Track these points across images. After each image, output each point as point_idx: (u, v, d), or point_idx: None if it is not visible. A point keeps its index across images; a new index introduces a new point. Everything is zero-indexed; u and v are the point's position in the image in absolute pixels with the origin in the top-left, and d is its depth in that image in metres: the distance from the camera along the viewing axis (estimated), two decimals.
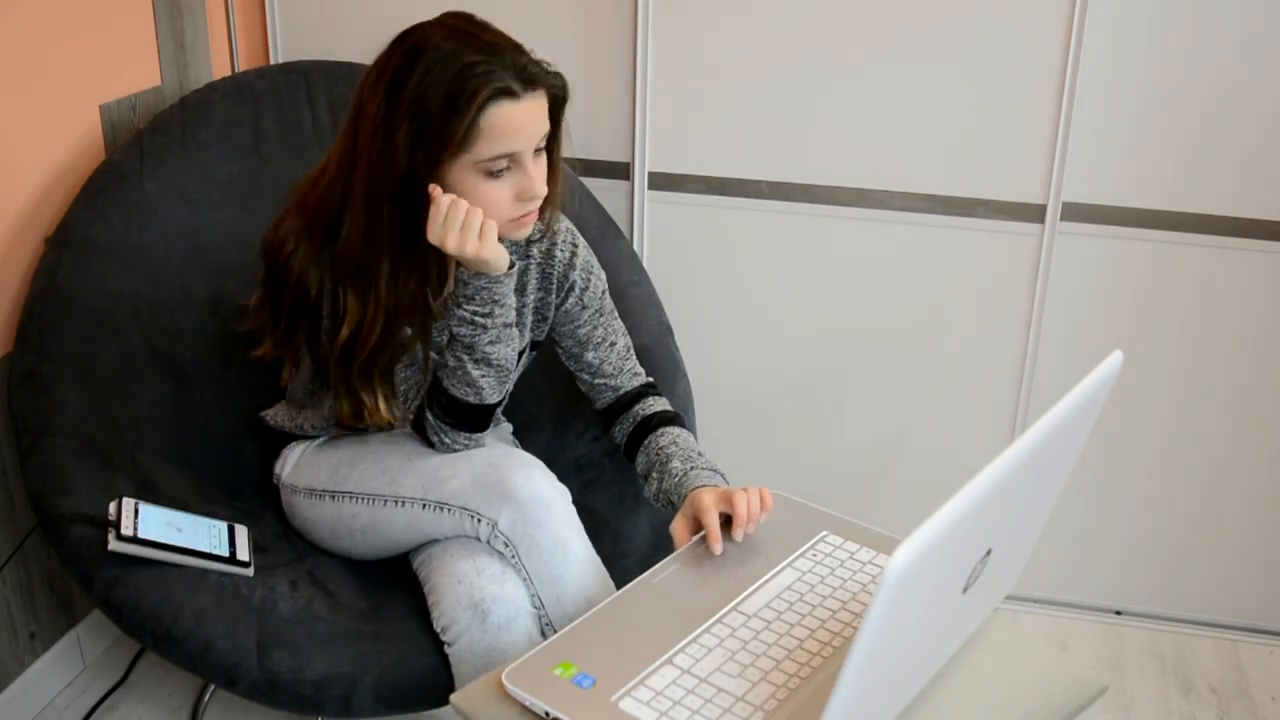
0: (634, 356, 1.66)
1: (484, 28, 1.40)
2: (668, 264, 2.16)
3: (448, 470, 1.49)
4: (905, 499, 2.23)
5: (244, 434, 1.78)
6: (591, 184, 2.08)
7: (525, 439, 1.85)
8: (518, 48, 1.39)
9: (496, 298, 1.44)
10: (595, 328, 1.62)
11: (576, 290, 1.59)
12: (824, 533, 1.42)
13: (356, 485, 1.55)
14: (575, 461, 1.81)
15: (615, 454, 1.79)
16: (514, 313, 1.48)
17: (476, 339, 1.45)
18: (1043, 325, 2.07)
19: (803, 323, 2.16)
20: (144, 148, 1.81)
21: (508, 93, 1.36)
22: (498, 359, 1.48)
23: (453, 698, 1.20)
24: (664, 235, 2.15)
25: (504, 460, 1.49)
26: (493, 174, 1.39)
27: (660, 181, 2.12)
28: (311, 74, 1.97)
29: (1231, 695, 2.02)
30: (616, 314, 1.65)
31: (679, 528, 1.43)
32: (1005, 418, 2.14)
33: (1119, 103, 1.93)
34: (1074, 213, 1.99)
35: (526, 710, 1.15)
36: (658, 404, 1.63)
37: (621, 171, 2.13)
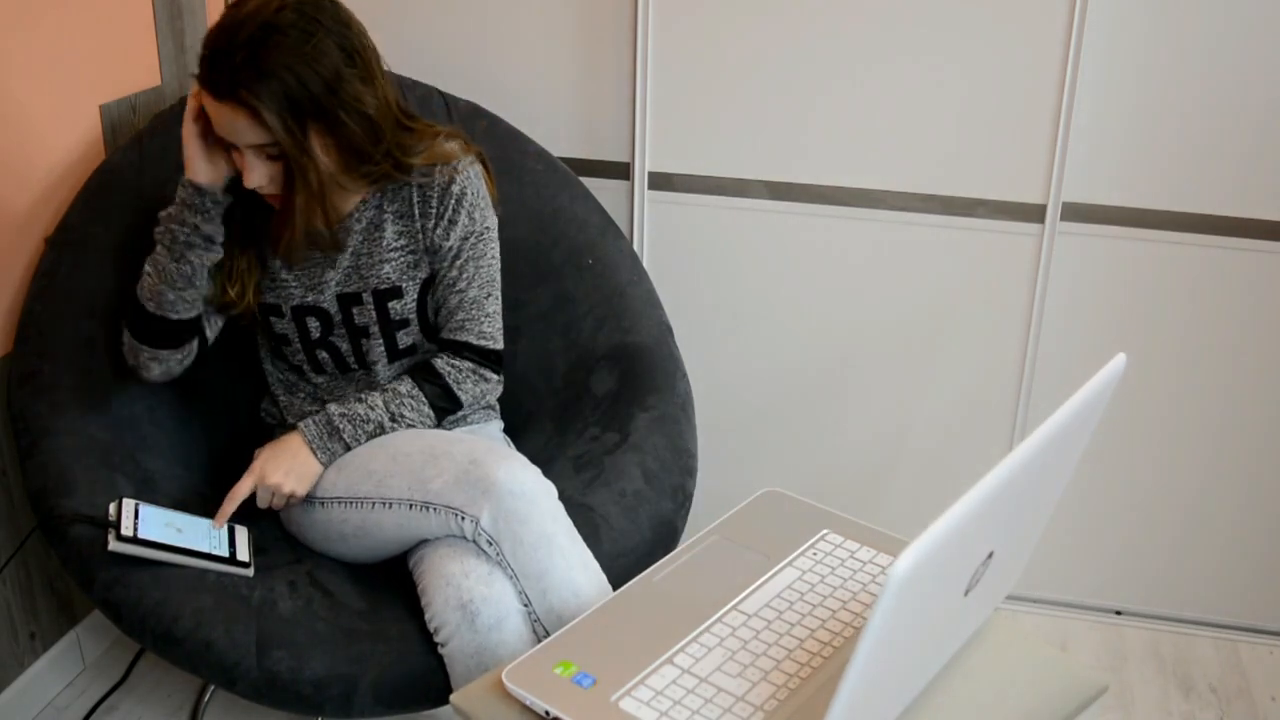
0: (483, 317, 1.64)
1: (234, 24, 1.42)
2: (668, 264, 2.16)
3: (431, 469, 1.49)
4: (905, 497, 2.23)
5: (243, 435, 1.79)
6: (591, 184, 2.08)
7: (524, 438, 1.85)
8: (235, 50, 1.40)
9: (196, 205, 1.52)
10: (451, 269, 1.61)
11: (445, 220, 1.59)
12: (824, 531, 1.42)
13: (345, 490, 1.55)
14: (574, 461, 1.80)
15: (614, 452, 1.79)
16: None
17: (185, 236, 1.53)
18: (1043, 325, 2.07)
19: (803, 323, 2.16)
20: (143, 148, 1.81)
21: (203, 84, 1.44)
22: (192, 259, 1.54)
23: (453, 697, 1.20)
24: (664, 235, 2.15)
25: (485, 455, 1.48)
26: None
27: (660, 181, 2.12)
28: None
29: (1231, 695, 2.02)
30: (492, 269, 1.64)
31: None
32: (1005, 417, 2.14)
33: (1119, 103, 1.93)
34: (1074, 213, 2.00)
35: (526, 709, 1.15)
36: (433, 356, 1.64)
37: (621, 171, 2.13)
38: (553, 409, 1.88)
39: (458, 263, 1.61)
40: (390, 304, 1.61)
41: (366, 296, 1.60)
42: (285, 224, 1.50)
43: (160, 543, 1.46)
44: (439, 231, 1.59)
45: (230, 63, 1.39)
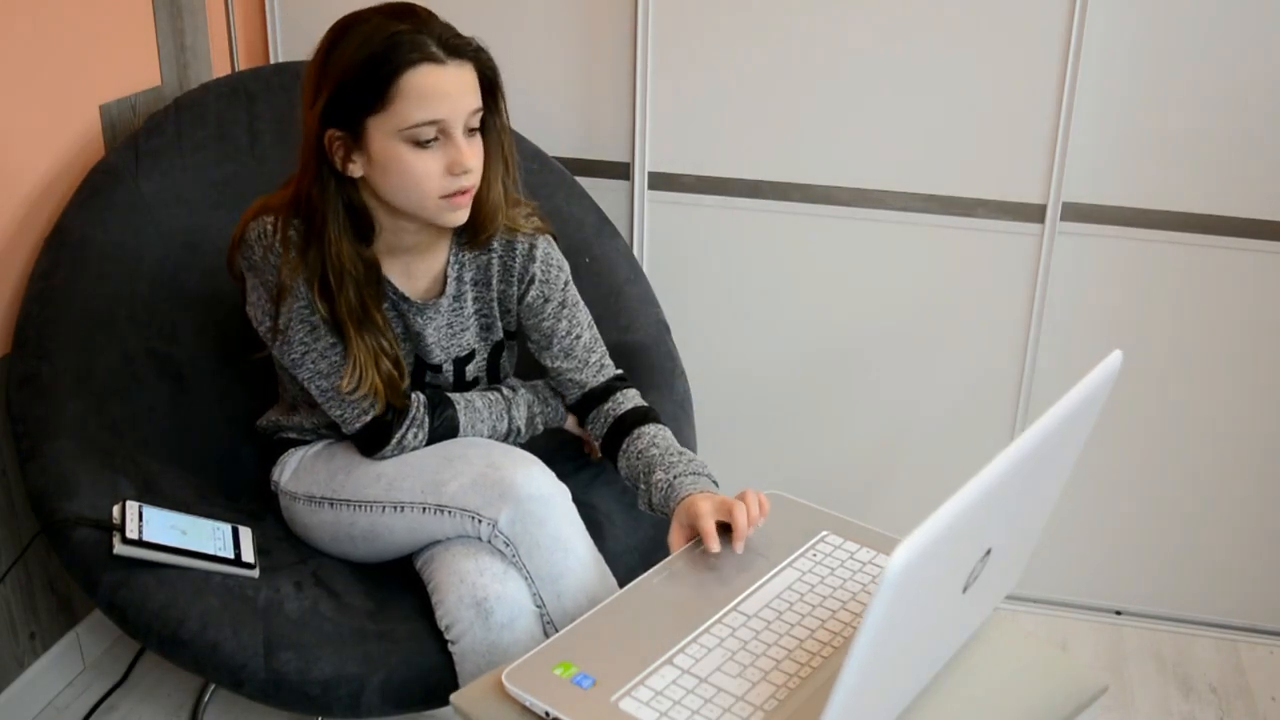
0: (601, 349, 1.66)
1: (415, 10, 1.41)
2: (668, 264, 2.16)
3: (447, 473, 1.49)
4: (905, 499, 2.23)
5: (243, 435, 1.78)
6: (591, 184, 2.08)
7: None
8: (447, 25, 1.41)
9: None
10: (559, 320, 1.61)
11: (537, 282, 1.59)
12: (824, 533, 1.42)
13: (353, 493, 1.55)
14: (575, 459, 1.81)
15: None
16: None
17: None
18: (1043, 325, 2.07)
19: (802, 322, 2.16)
20: (139, 149, 1.81)
21: (430, 57, 1.36)
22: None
23: (453, 698, 1.20)
24: (664, 235, 2.15)
25: (503, 459, 1.49)
26: (420, 144, 1.39)
27: (660, 181, 2.12)
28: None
29: (1231, 695, 2.02)
30: (582, 307, 1.65)
31: (675, 538, 1.42)
32: (1005, 417, 2.14)
33: (1119, 103, 1.93)
34: (1074, 213, 2.00)
35: (526, 710, 1.15)
36: (627, 400, 1.62)
37: (621, 171, 2.13)
38: None
39: (563, 312, 1.61)
40: (465, 367, 1.63)
41: (446, 365, 1.61)
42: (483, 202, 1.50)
43: (166, 545, 1.45)
44: (532, 294, 1.59)
45: (450, 31, 1.40)
